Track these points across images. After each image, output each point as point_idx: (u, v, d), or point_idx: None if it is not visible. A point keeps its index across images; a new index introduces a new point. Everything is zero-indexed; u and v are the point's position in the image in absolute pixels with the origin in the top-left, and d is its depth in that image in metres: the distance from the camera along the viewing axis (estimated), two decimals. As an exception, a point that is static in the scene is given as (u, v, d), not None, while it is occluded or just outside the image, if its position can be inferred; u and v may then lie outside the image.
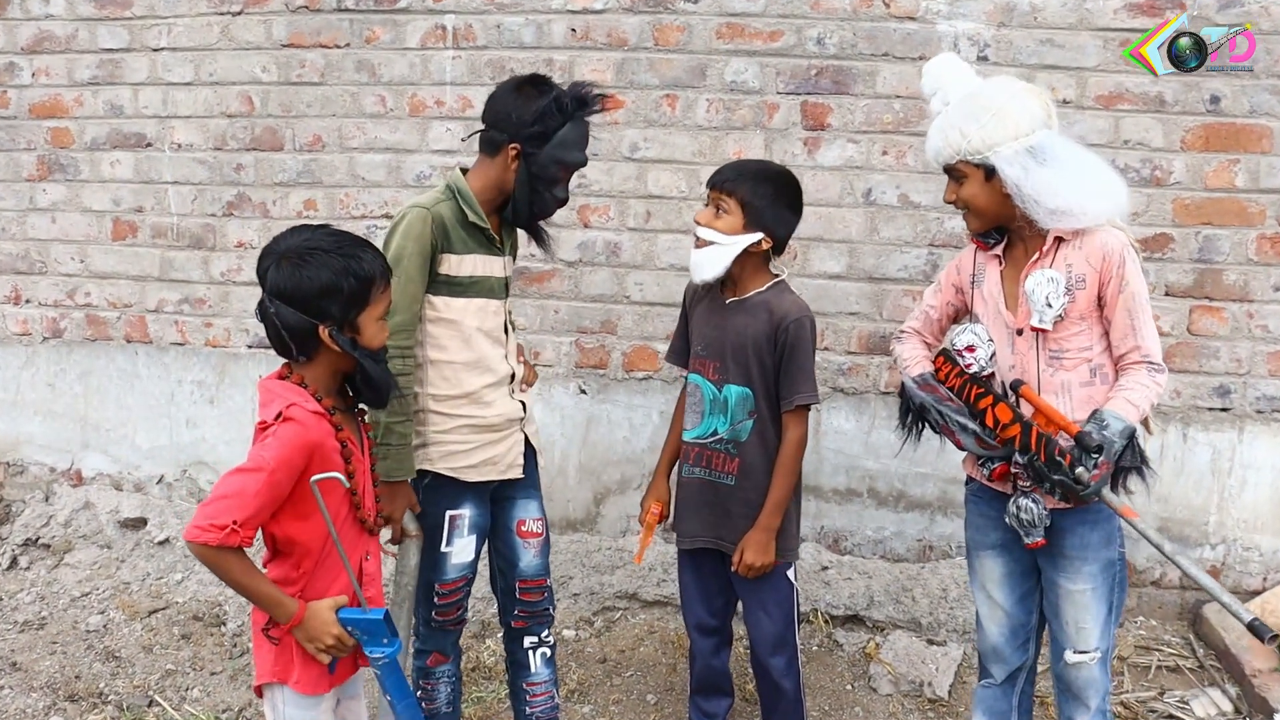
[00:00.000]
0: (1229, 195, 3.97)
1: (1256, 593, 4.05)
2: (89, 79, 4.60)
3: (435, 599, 2.91)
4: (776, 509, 2.93)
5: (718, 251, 2.87)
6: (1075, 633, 2.67)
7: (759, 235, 2.88)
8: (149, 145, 4.58)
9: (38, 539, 4.60)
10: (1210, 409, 4.06)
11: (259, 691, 2.34)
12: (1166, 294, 4.01)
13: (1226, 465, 4.08)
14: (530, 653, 3.06)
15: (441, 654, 3.01)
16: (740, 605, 3.17)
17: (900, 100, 4.05)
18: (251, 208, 4.52)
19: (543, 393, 4.30)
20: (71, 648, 3.95)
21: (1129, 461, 2.54)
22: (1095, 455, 2.39)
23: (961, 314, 2.85)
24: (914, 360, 2.84)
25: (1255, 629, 2.26)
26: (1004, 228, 2.67)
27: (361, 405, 2.44)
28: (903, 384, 2.82)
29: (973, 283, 2.76)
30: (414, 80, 4.33)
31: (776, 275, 3.00)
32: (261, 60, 4.44)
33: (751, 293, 2.95)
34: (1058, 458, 2.42)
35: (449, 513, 2.88)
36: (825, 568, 4.15)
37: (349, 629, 2.22)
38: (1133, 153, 3.97)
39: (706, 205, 2.94)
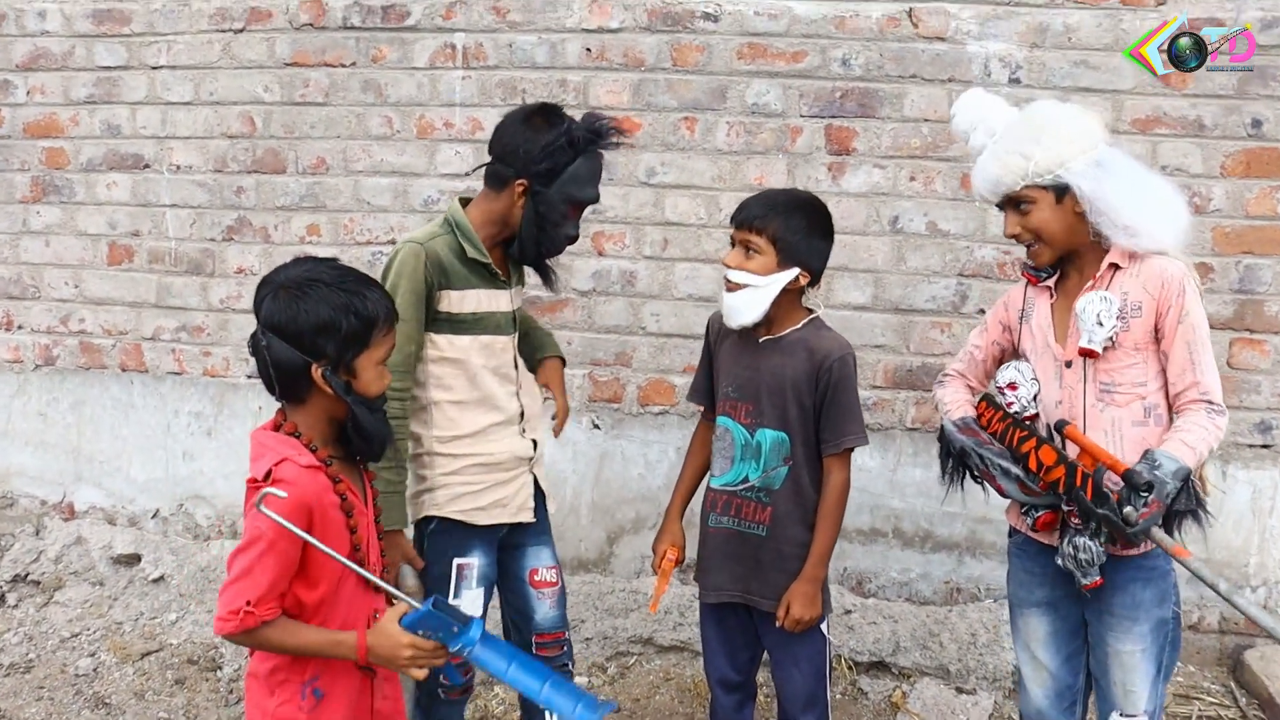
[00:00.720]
0: (1271, 223, 3.84)
1: (1301, 639, 3.89)
2: (85, 97, 4.49)
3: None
4: (822, 559, 2.76)
5: (754, 294, 2.70)
6: (1123, 695, 2.52)
7: (795, 271, 2.71)
8: (147, 166, 4.47)
9: (27, 575, 4.43)
10: (1251, 445, 3.91)
11: None
12: (1206, 326, 3.86)
13: (1268, 505, 3.93)
14: (547, 712, 2.89)
15: None
16: (768, 659, 2.99)
17: (929, 124, 3.92)
18: (252, 232, 4.39)
19: (554, 427, 4.16)
20: (59, 693, 3.77)
21: (1184, 505, 2.36)
22: (1144, 494, 2.23)
23: (1007, 355, 2.70)
24: (955, 404, 2.70)
25: None
26: (1059, 260, 2.54)
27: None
28: (942, 427, 2.67)
29: (1021, 317, 2.62)
30: (422, 101, 4.21)
31: (811, 311, 2.84)
32: (264, 79, 4.33)
33: (787, 330, 2.78)
34: (1105, 491, 2.26)
35: (457, 561, 2.73)
36: (849, 611, 3.98)
37: (420, 634, 2.02)
38: (1170, 179, 3.79)
39: (733, 246, 2.76)
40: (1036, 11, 3.85)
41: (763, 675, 3.22)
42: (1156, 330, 2.40)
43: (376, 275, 2.31)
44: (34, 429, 4.67)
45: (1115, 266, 2.42)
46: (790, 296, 2.76)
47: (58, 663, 3.97)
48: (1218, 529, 3.87)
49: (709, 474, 2.90)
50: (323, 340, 2.02)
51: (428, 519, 2.72)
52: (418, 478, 2.72)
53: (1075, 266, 2.51)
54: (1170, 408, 2.44)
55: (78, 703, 3.72)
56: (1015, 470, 2.46)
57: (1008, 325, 2.67)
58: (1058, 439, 2.43)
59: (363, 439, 2.11)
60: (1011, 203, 2.48)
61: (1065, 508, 2.43)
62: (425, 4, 4.14)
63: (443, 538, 2.73)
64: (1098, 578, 2.40)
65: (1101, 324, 2.37)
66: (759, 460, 2.78)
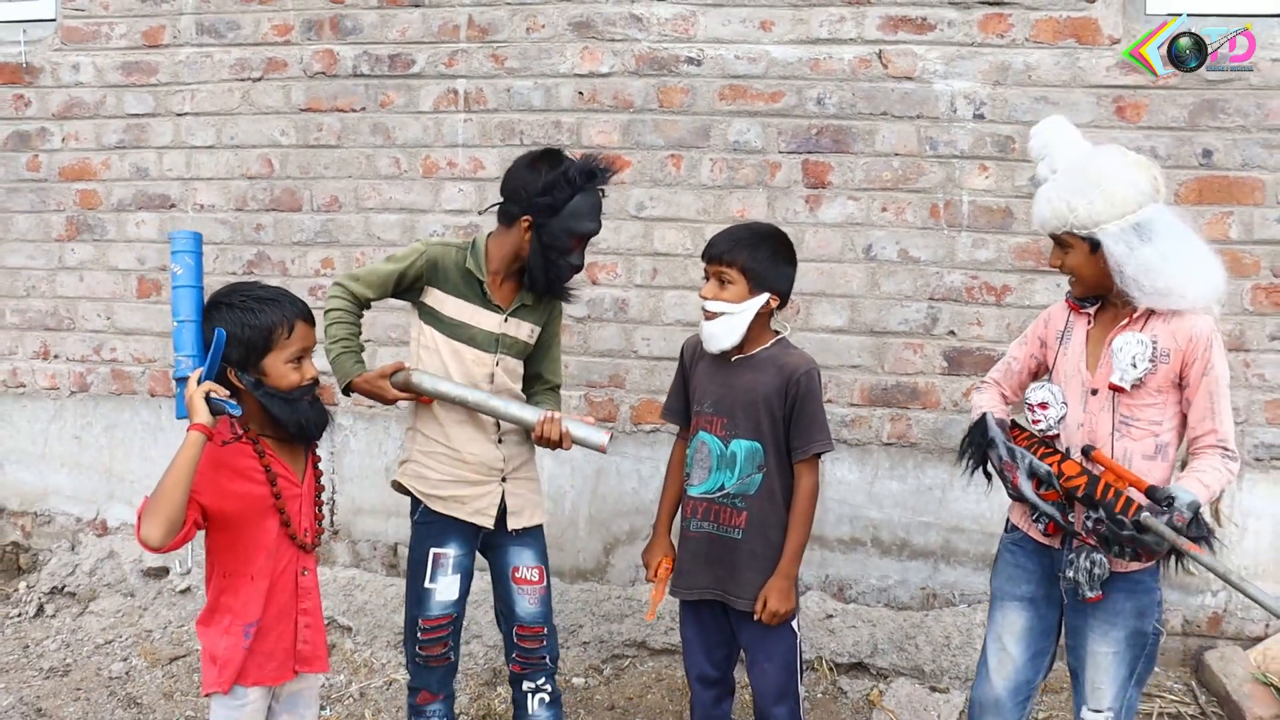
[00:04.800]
0: (1224, 247, 4.01)
1: (1258, 639, 4.09)
2: (116, 143, 4.77)
3: (419, 634, 3.05)
4: (795, 556, 3.00)
5: (731, 321, 2.95)
6: (1090, 691, 2.71)
7: (765, 296, 2.97)
8: (173, 206, 4.74)
9: (64, 587, 4.73)
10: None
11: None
12: (1164, 344, 4.08)
13: (1227, 512, 4.11)
14: (529, 696, 3.17)
15: (429, 692, 3.13)
16: (744, 656, 3.21)
17: (899, 158, 4.16)
18: (271, 266, 4.66)
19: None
20: (95, 694, 4.05)
21: (1194, 533, 2.48)
22: (1166, 508, 2.41)
23: (1042, 369, 2.88)
24: (990, 407, 2.87)
25: None
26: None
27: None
28: (984, 416, 2.81)
29: (1060, 338, 2.79)
30: (427, 142, 4.48)
31: (778, 332, 3.09)
32: (281, 124, 4.60)
33: (758, 350, 3.03)
34: (1126, 512, 2.43)
35: (433, 550, 3.06)
36: (830, 616, 4.20)
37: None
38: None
39: (707, 280, 3.01)
40: (998, 51, 4.08)
41: (742, 675, 3.44)
42: (1180, 378, 2.58)
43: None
44: (69, 451, 4.94)
45: (1151, 311, 2.59)
46: (761, 319, 3.01)
47: (93, 667, 4.25)
48: (1179, 536, 4.11)
49: (687, 484, 3.12)
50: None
51: (415, 504, 3.10)
52: (405, 448, 3.14)
53: (1113, 302, 2.67)
54: (1177, 448, 2.63)
55: (111, 703, 4.00)
56: (1043, 469, 2.61)
57: (1045, 340, 2.83)
58: (1083, 460, 2.61)
59: (278, 425, 2.51)
60: (1055, 240, 2.68)
61: (1070, 521, 2.58)
62: (429, 52, 4.43)
63: (423, 528, 3.08)
64: (1100, 592, 2.58)
65: (1135, 365, 2.55)
66: (734, 469, 3.00)
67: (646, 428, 4.41)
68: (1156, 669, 4.09)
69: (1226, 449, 2.55)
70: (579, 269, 3.08)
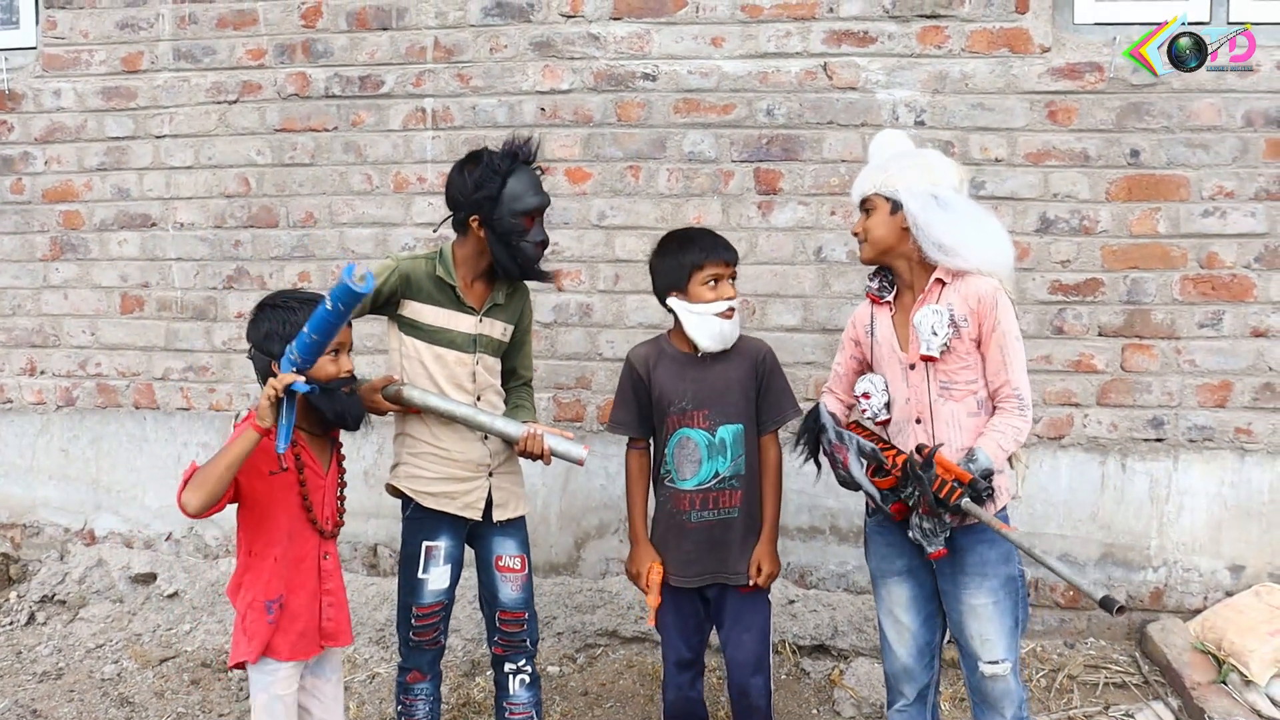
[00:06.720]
0: (1153, 241, 4.27)
1: (1197, 611, 4.30)
2: (97, 165, 4.91)
3: (413, 620, 3.25)
4: (775, 521, 3.29)
5: (738, 316, 3.26)
6: (980, 645, 2.89)
7: None
8: (154, 225, 4.89)
9: (54, 595, 4.87)
10: (1146, 440, 4.33)
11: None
12: (1100, 334, 4.31)
13: (1164, 492, 4.35)
14: (510, 677, 3.36)
15: (420, 672, 3.32)
16: (717, 634, 3.37)
17: (845, 164, 4.37)
18: (250, 281, 4.81)
19: (524, 444, 4.58)
20: (88, 695, 4.20)
21: (983, 488, 2.75)
22: (981, 489, 2.70)
23: (865, 367, 3.11)
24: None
25: (1105, 603, 2.47)
26: (893, 279, 2.98)
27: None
28: (816, 405, 3.11)
29: (869, 332, 3.04)
30: (397, 159, 4.66)
31: None
32: (256, 144, 4.76)
33: None
34: (950, 499, 2.70)
35: (425, 544, 3.24)
36: (792, 601, 4.40)
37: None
38: (1062, 204, 4.28)
39: (713, 283, 3.17)
40: (936, 61, 4.31)
41: (710, 658, 3.62)
42: (980, 338, 2.84)
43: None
44: (57, 464, 5.08)
45: (941, 282, 2.86)
46: None
47: (85, 670, 4.40)
48: (1121, 516, 4.34)
49: (672, 481, 3.25)
50: (269, 343, 2.71)
51: (405, 503, 3.27)
52: (395, 452, 3.29)
53: (907, 284, 2.94)
54: (991, 399, 2.88)
55: (105, 703, 4.15)
56: (868, 446, 2.89)
57: (857, 340, 3.09)
58: (917, 456, 2.80)
59: (319, 413, 2.75)
60: (862, 206, 2.96)
61: (903, 496, 2.84)
62: (397, 73, 4.61)
63: (415, 523, 3.25)
64: (942, 547, 2.80)
65: (936, 333, 2.81)
66: (726, 454, 3.21)
67: (613, 426, 4.59)
68: (1102, 642, 4.34)
69: (1019, 398, 2.81)
70: (545, 244, 3.22)
